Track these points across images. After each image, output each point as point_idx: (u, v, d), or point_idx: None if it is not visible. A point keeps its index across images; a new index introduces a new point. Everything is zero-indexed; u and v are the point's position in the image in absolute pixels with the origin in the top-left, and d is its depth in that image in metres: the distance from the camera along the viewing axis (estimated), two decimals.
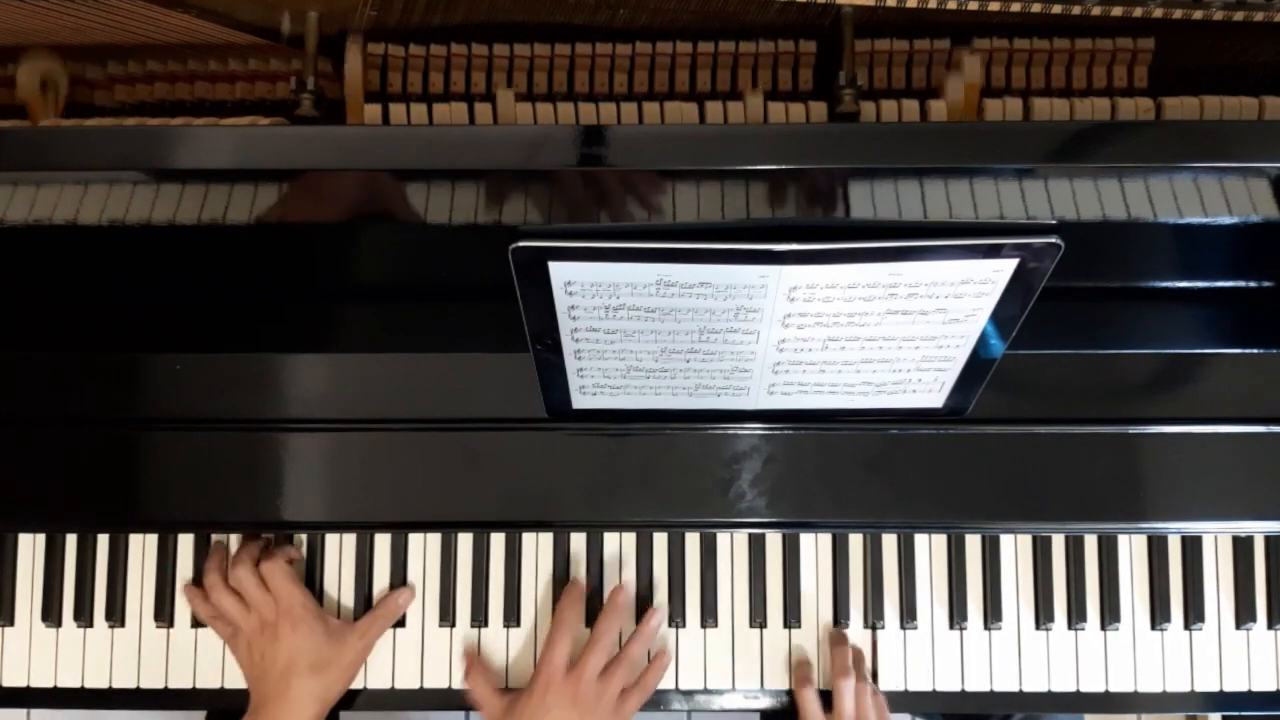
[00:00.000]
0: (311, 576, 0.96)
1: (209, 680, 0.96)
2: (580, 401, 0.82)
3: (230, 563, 0.92)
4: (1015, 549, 0.96)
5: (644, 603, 0.95)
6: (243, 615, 0.90)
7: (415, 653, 0.96)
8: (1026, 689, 0.94)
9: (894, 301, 0.70)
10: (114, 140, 0.70)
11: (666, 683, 0.95)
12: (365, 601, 0.96)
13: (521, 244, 0.66)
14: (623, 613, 0.93)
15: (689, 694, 0.96)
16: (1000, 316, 0.72)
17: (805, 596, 0.96)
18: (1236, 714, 0.99)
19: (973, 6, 0.77)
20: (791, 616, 0.95)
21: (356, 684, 0.95)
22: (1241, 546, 0.96)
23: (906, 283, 0.68)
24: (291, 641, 0.87)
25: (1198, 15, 0.77)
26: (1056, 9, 0.77)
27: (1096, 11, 0.77)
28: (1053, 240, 0.65)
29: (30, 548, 0.98)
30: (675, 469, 0.87)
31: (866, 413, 0.83)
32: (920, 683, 0.95)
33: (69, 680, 0.97)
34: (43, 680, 0.97)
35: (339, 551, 0.97)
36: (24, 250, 0.82)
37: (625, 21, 0.83)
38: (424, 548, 0.97)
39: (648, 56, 0.84)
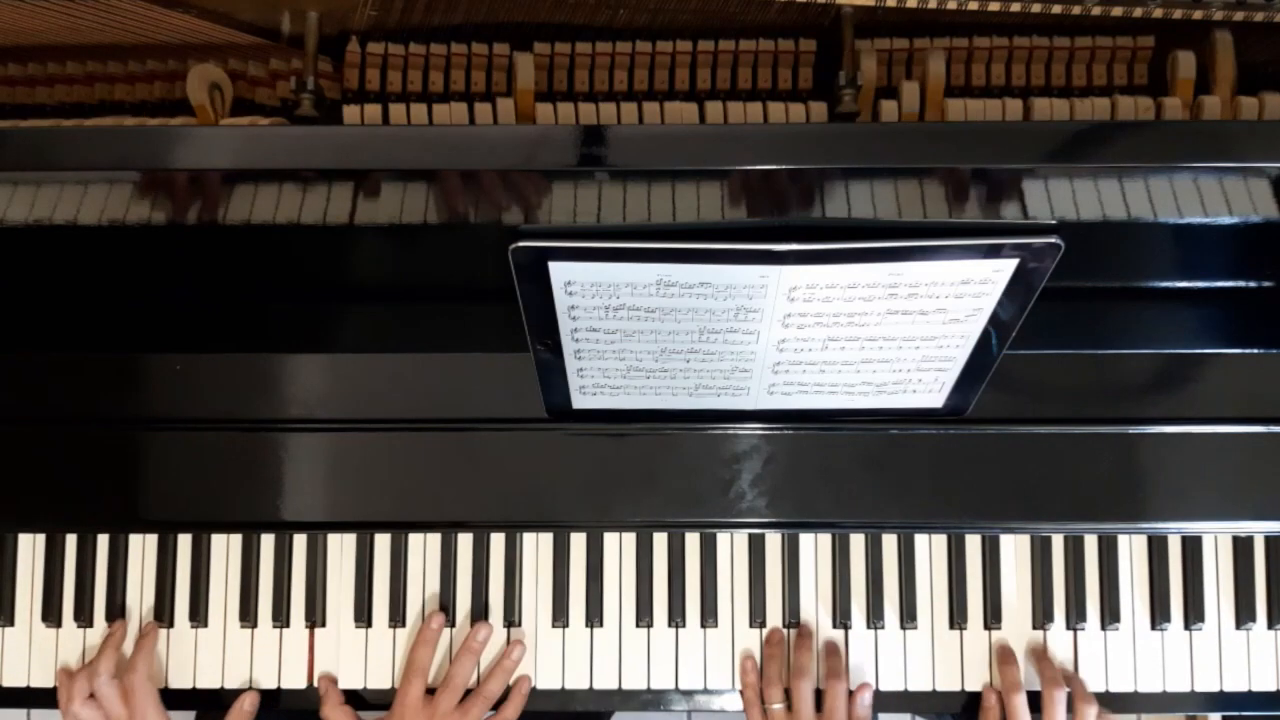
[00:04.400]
0: (312, 576, 0.96)
1: (209, 680, 0.96)
2: (580, 401, 0.82)
3: (91, 670, 0.91)
4: (1015, 549, 0.96)
5: (643, 604, 0.95)
6: None
7: None
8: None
9: (894, 301, 0.70)
10: (114, 140, 0.70)
11: (666, 683, 0.95)
12: (364, 602, 0.96)
13: (522, 244, 0.66)
14: (477, 653, 0.94)
15: (689, 694, 0.96)
16: (1000, 316, 0.72)
17: (805, 597, 0.96)
18: (1236, 714, 0.99)
19: (973, 6, 0.77)
20: (791, 616, 0.95)
21: (356, 684, 0.95)
22: (1241, 546, 0.96)
23: (907, 283, 0.68)
24: None
25: (1198, 15, 0.77)
26: (1056, 9, 0.77)
27: (1096, 11, 0.77)
28: (1053, 240, 0.65)
29: (30, 548, 0.98)
30: (675, 469, 0.87)
31: (866, 413, 0.83)
32: (920, 683, 0.95)
33: None
34: (43, 680, 0.97)
35: (339, 551, 0.97)
36: (24, 250, 0.82)
37: (625, 21, 0.83)
38: (424, 548, 0.97)
39: (648, 56, 0.84)
